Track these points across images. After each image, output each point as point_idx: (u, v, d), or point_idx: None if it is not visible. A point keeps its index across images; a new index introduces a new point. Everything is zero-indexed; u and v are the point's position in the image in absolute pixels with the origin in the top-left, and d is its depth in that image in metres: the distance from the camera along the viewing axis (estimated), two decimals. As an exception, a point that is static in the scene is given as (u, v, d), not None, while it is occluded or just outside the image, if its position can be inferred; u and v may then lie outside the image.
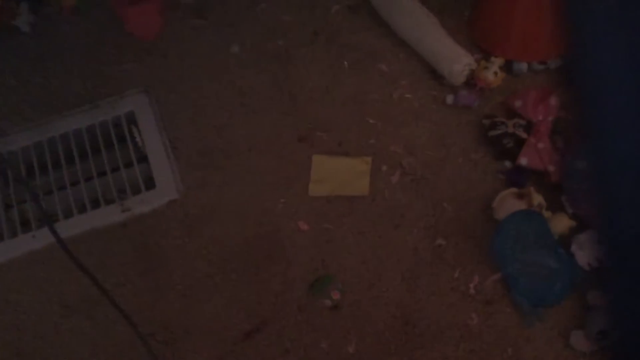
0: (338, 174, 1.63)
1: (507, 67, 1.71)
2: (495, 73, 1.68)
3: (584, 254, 1.48)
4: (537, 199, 1.51)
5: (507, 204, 1.52)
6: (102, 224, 1.59)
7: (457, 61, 1.67)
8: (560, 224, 1.51)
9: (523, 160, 1.56)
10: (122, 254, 1.56)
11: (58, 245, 1.54)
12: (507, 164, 1.61)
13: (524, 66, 1.72)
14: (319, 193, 1.62)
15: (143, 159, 1.69)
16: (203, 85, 1.77)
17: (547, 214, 1.52)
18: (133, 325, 1.39)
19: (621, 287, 0.53)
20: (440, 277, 1.52)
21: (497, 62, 1.69)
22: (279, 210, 1.60)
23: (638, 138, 0.46)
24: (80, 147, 1.70)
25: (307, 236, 1.57)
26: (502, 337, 1.45)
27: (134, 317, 1.33)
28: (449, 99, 1.70)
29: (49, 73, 1.80)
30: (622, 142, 0.46)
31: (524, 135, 1.59)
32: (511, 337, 1.44)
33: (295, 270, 1.54)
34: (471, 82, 1.70)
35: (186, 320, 1.48)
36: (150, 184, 1.65)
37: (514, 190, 1.54)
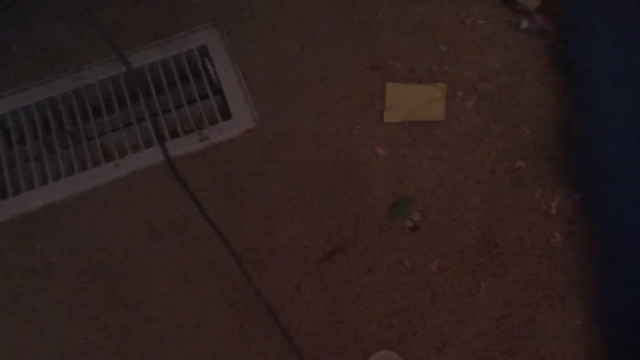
0: (413, 101, 1.64)
1: (583, -9, 1.68)
2: (571, -4, 1.65)
3: None
4: (620, 118, 1.50)
5: (589, 123, 1.51)
6: (181, 153, 1.62)
7: (532, -16, 1.65)
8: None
9: (603, 81, 1.54)
10: (204, 180, 1.59)
11: (146, 169, 1.59)
12: (586, 86, 1.59)
13: (599, -11, 1.69)
14: (394, 119, 1.62)
15: (218, 91, 1.72)
16: (271, 18, 1.78)
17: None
18: (226, 241, 1.43)
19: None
20: (520, 198, 1.52)
21: (572, -14, 1.66)
22: (355, 136, 1.62)
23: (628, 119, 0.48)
24: (156, 81, 1.73)
25: (384, 161, 1.59)
26: (586, 254, 1.45)
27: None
28: (524, 23, 1.68)
29: (120, 9, 1.82)
30: (614, 117, 0.50)
31: (603, 56, 1.57)
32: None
33: (373, 193, 1.56)
34: (546, 6, 1.67)
35: (270, 241, 1.52)
36: (226, 114, 1.68)
37: (595, 110, 1.53)
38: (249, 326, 1.44)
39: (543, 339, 1.40)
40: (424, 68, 1.68)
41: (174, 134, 1.66)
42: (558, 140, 1.56)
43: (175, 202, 1.56)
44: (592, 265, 1.45)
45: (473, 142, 1.59)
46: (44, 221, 1.58)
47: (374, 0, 1.77)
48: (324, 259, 1.50)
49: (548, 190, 1.52)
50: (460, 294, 1.45)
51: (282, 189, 1.57)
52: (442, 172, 1.57)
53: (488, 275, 1.46)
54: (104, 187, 1.61)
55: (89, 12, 1.76)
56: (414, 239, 1.50)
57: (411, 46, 1.71)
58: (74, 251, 1.54)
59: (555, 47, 1.65)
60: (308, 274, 1.48)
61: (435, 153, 1.59)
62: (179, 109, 1.69)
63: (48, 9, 1.81)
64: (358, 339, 1.43)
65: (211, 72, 1.72)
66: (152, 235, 1.54)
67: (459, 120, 1.61)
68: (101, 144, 1.68)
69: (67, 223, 1.58)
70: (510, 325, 1.41)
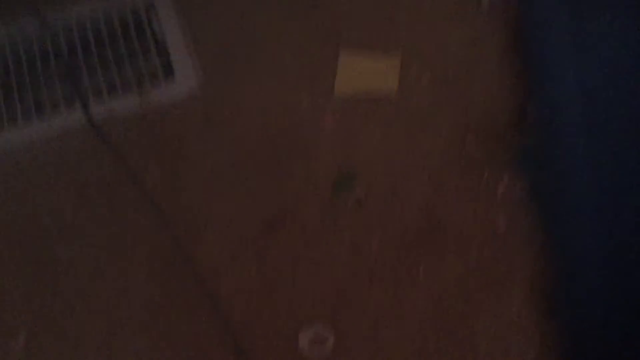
0: (366, 72, 1.58)
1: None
2: (534, -24, 1.60)
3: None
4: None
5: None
6: (119, 112, 1.54)
7: (496, -40, 1.59)
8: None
9: (559, 65, 1.51)
10: (141, 143, 1.51)
11: (80, 128, 1.50)
12: (542, 69, 1.56)
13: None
14: (345, 90, 1.56)
15: (162, 49, 1.62)
16: (226, -24, 1.69)
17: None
18: (159, 209, 1.37)
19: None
20: (467, 179, 1.49)
21: (536, -35, 1.61)
22: (303, 106, 1.55)
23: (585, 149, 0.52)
24: (97, 34, 1.62)
25: (332, 134, 1.53)
26: (528, 241, 1.43)
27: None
28: (485, 0, 1.63)
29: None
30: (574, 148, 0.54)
31: (561, 39, 1.53)
32: (538, 241, 1.43)
33: (318, 167, 1.50)
34: (508, -16, 1.62)
35: (207, 210, 1.45)
36: (169, 75, 1.59)
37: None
38: (177, 295, 1.38)
39: (478, 323, 1.38)
40: (380, 39, 1.61)
41: (112, 92, 1.57)
42: (510, 122, 1.53)
43: (109, 163, 1.48)
44: (534, 252, 1.43)
45: (424, 119, 1.54)
46: (-33, 175, 1.49)
47: (333, -36, 1.69)
48: (262, 230, 1.44)
49: (496, 173, 1.49)
50: (398, 274, 1.41)
51: (224, 157, 1.51)
52: (390, 148, 1.52)
53: (428, 257, 1.42)
54: (35, 144, 1.52)
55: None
56: (356, 216, 1.46)
57: (368, 15, 1.64)
58: (-3, 209, 1.46)
59: (515, 26, 1.61)
60: (244, 245, 1.43)
61: (385, 129, 1.53)
62: (118, 65, 1.60)
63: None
64: (291, 312, 1.38)
65: (156, 28, 1.63)
66: (82, 196, 1.46)
67: (411, 96, 1.56)
68: (34, 98, 1.57)
69: (-8, 179, 1.48)
70: (446, 308, 1.39)
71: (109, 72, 1.58)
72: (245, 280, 1.40)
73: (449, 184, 1.48)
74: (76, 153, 1.50)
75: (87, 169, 1.48)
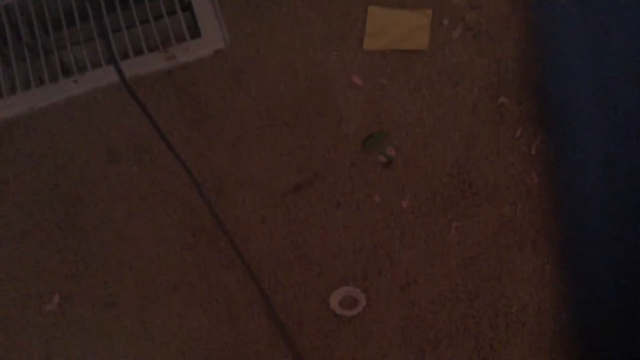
0: (395, 27, 1.53)
1: None
2: None
3: None
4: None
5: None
6: (145, 71, 1.52)
7: None
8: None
9: (599, 16, 1.45)
10: (169, 103, 1.50)
11: (107, 88, 1.49)
12: (580, 20, 1.49)
13: None
14: (375, 47, 1.52)
15: (187, 7, 1.59)
16: None
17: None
18: (188, 169, 1.36)
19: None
20: (500, 136, 1.45)
21: None
22: (332, 63, 1.52)
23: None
24: (121, -7, 1.60)
25: (361, 91, 1.50)
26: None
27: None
28: (520, -52, 1.55)
29: None
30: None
31: (602, -12, 1.46)
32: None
33: (348, 125, 1.47)
34: None
35: (236, 170, 1.44)
36: (195, 33, 1.56)
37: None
38: (209, 256, 1.39)
39: (511, 281, 1.37)
40: (410, -7, 1.56)
41: (138, 51, 1.55)
42: (545, 77, 1.47)
43: (137, 124, 1.47)
44: (567, 209, 1.40)
45: (456, 74, 1.49)
46: (-3, 138, 1.50)
47: None
48: (292, 191, 1.43)
49: (530, 129, 1.45)
50: (429, 233, 1.40)
51: (251, 115, 1.49)
52: (421, 105, 1.48)
53: (460, 215, 1.40)
54: (62, 105, 1.51)
55: None
56: (386, 175, 1.44)
57: (398, -32, 1.58)
58: (28, 170, 1.46)
59: (552, -24, 1.54)
60: (274, 206, 1.42)
61: (416, 85, 1.49)
62: (144, 25, 1.57)
63: None
64: (321, 274, 1.38)
65: (181, -15, 1.59)
66: (111, 158, 1.46)
67: (443, 51, 1.51)
68: (60, 59, 1.56)
69: (22, 140, 1.49)
70: (479, 267, 1.37)
71: (135, 33, 1.56)
72: (275, 241, 1.39)
73: (481, 142, 1.44)
74: (104, 114, 1.49)
75: (116, 128, 1.48)
